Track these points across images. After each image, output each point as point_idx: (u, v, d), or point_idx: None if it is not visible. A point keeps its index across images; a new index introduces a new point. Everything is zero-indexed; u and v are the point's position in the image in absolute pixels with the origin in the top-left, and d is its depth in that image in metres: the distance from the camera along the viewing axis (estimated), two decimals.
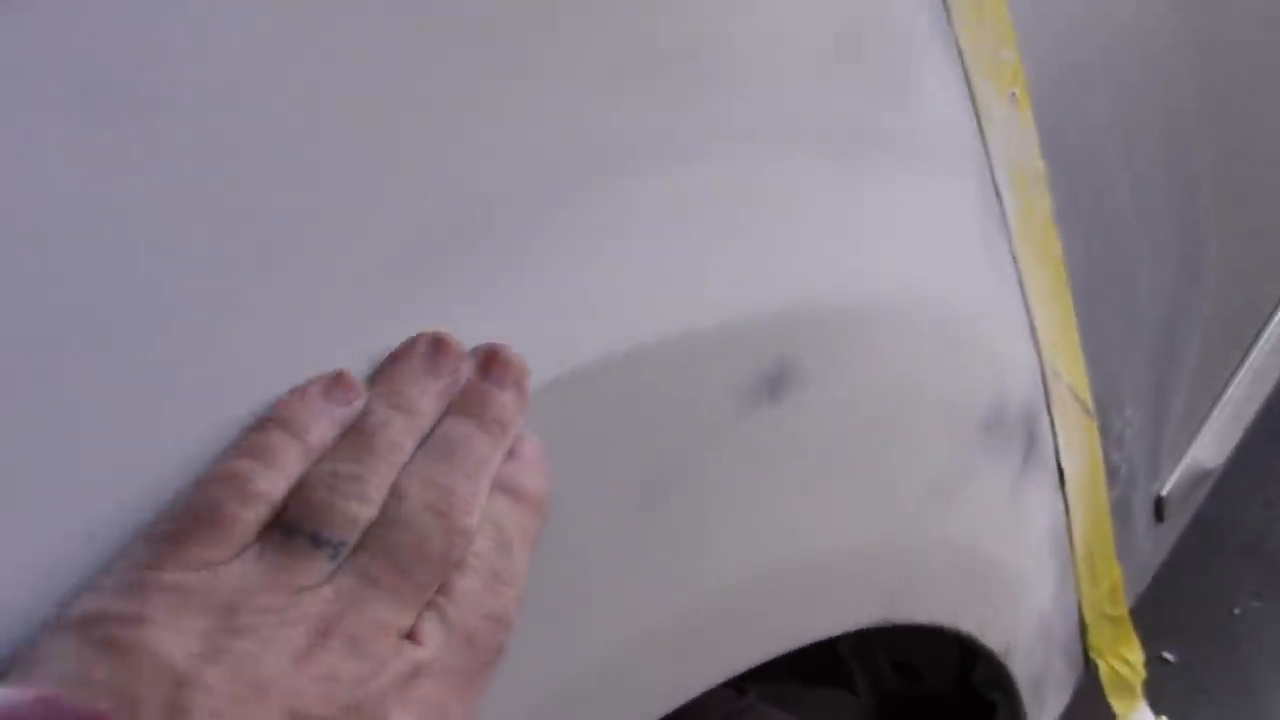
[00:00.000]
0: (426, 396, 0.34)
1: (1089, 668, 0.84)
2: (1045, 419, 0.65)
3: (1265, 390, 0.90)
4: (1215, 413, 0.84)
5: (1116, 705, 0.86)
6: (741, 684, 0.88)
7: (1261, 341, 0.87)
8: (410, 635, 0.30)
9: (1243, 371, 0.86)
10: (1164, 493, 0.83)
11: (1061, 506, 0.69)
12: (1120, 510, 0.77)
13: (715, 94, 0.43)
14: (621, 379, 0.40)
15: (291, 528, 0.30)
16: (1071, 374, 0.65)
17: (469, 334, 0.35)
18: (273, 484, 0.31)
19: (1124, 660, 0.86)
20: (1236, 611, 1.45)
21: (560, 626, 0.39)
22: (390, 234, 0.34)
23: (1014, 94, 0.56)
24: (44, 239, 0.28)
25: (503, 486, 0.34)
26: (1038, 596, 0.71)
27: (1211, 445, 0.85)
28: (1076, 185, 0.62)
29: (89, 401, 0.29)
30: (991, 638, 0.66)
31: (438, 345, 0.34)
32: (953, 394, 0.56)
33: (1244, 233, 0.80)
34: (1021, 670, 0.72)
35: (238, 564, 0.29)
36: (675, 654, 0.45)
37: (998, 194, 0.57)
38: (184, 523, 0.29)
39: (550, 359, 0.38)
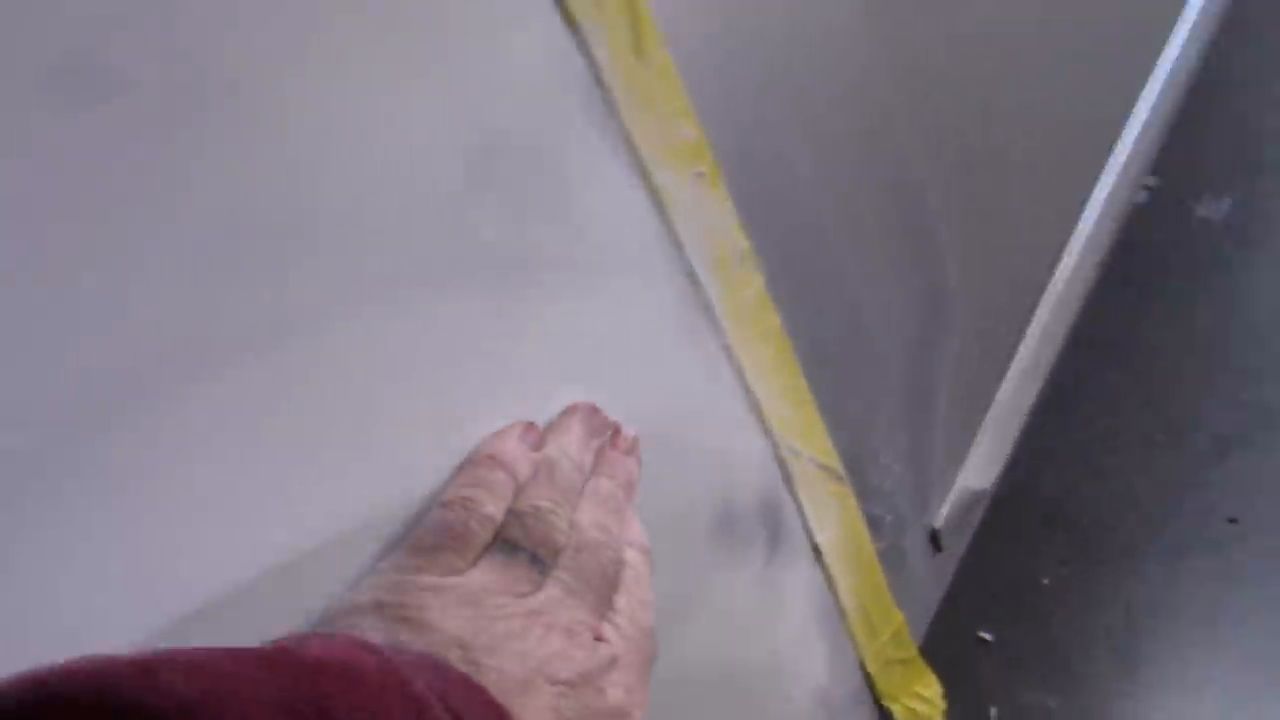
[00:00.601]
0: (588, 453, 0.44)
1: (885, 715, 0.81)
2: (789, 501, 0.60)
3: (1028, 401, 0.88)
4: (980, 436, 0.82)
5: None
6: None
7: (1017, 358, 0.85)
8: (597, 637, 0.38)
9: (1002, 389, 0.84)
10: (938, 525, 0.80)
11: (821, 579, 0.65)
12: (892, 558, 0.74)
13: (328, 258, 0.36)
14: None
15: (515, 546, 0.39)
16: (812, 446, 0.61)
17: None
18: (497, 509, 0.39)
19: (919, 698, 0.83)
20: (1045, 582, 1.46)
21: None
22: None
23: (700, 173, 0.51)
24: None
25: (627, 539, 0.43)
26: (809, 674, 0.67)
27: (980, 467, 0.83)
28: (790, 253, 0.58)
29: None
30: None
31: (594, 413, 0.45)
32: (675, 510, 0.51)
33: (983, 252, 0.77)
34: None
35: (476, 571, 0.37)
36: None
37: (696, 283, 0.52)
38: (438, 538, 0.38)
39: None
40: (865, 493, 0.68)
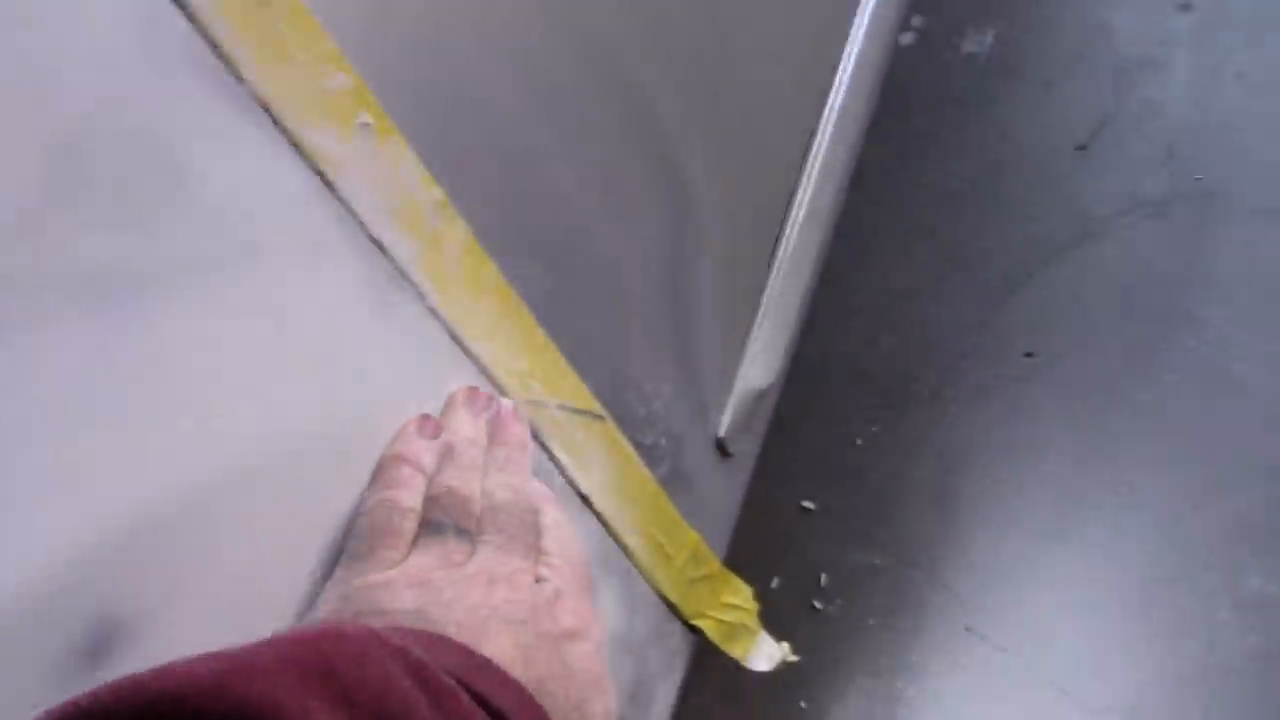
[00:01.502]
0: (480, 428, 0.48)
1: (695, 632, 0.79)
2: (542, 456, 0.55)
3: (801, 286, 0.85)
4: (754, 333, 0.78)
5: (734, 652, 0.82)
6: None
7: (784, 240, 0.81)
8: (536, 579, 0.43)
9: (771, 280, 0.80)
10: (722, 433, 0.77)
11: (597, 524, 0.61)
12: (676, 480, 0.71)
13: None
14: None
15: (440, 525, 0.43)
16: (558, 392, 0.56)
17: None
18: (415, 500, 0.44)
19: (729, 608, 0.81)
20: (859, 442, 1.47)
21: None
22: None
23: (365, 123, 0.44)
24: None
25: (534, 492, 0.47)
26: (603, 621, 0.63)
27: (760, 365, 0.80)
28: (500, 195, 0.52)
29: None
30: None
31: (475, 394, 0.49)
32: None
33: (732, 130, 0.72)
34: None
35: (412, 558, 0.42)
36: None
37: (381, 249, 0.45)
38: (370, 540, 0.42)
39: None
40: (632, 423, 0.64)
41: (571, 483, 0.58)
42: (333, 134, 0.43)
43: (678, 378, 0.69)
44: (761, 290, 0.79)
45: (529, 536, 0.44)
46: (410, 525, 0.42)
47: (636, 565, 0.66)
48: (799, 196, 0.85)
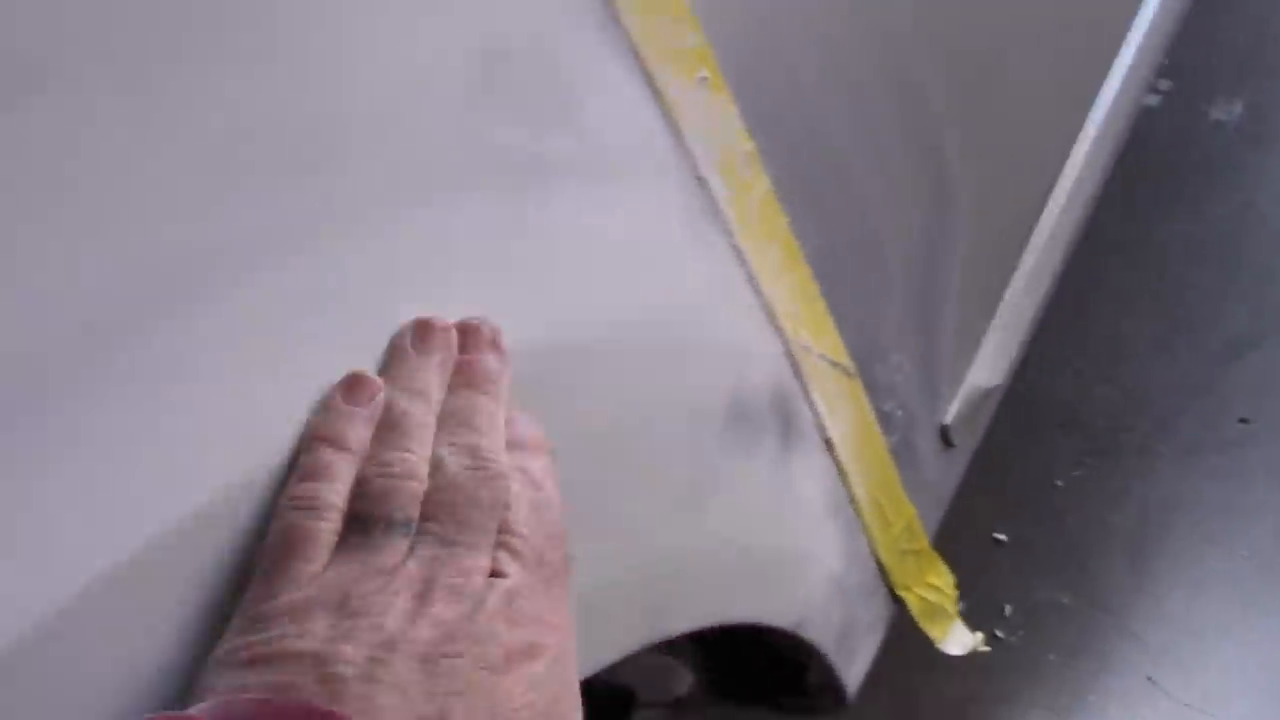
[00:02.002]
0: (430, 374, 0.39)
1: (899, 603, 0.84)
2: (800, 395, 0.63)
3: (1036, 300, 0.90)
4: (989, 335, 0.84)
5: (930, 631, 0.87)
6: None
7: (1024, 259, 0.86)
8: (493, 573, 0.35)
9: (1010, 290, 0.86)
10: (948, 421, 0.83)
11: (834, 470, 0.68)
12: (903, 452, 0.77)
13: (345, 163, 0.39)
14: None
15: (365, 518, 0.35)
16: (822, 342, 0.64)
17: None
18: (336, 493, 0.36)
19: (932, 588, 0.87)
20: (1060, 484, 1.49)
21: None
22: None
23: (704, 77, 0.53)
24: None
25: (511, 445, 0.39)
26: (824, 562, 0.70)
27: (989, 366, 0.85)
28: (796, 156, 0.60)
29: None
30: (779, 618, 0.66)
31: (423, 328, 0.40)
32: (688, 403, 0.54)
33: (989, 154, 0.79)
34: (820, 634, 0.72)
35: (333, 567, 0.34)
36: None
37: (704, 185, 0.54)
38: (279, 551, 0.34)
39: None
40: (875, 389, 0.71)
41: (820, 427, 0.65)
42: (679, 83, 0.52)
43: (918, 358, 0.76)
44: (1001, 294, 0.85)
45: (486, 516, 0.36)
46: (329, 526, 0.35)
47: (860, 520, 0.73)
48: (1041, 222, 0.91)
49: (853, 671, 0.80)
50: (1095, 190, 0.94)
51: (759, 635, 0.70)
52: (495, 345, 0.40)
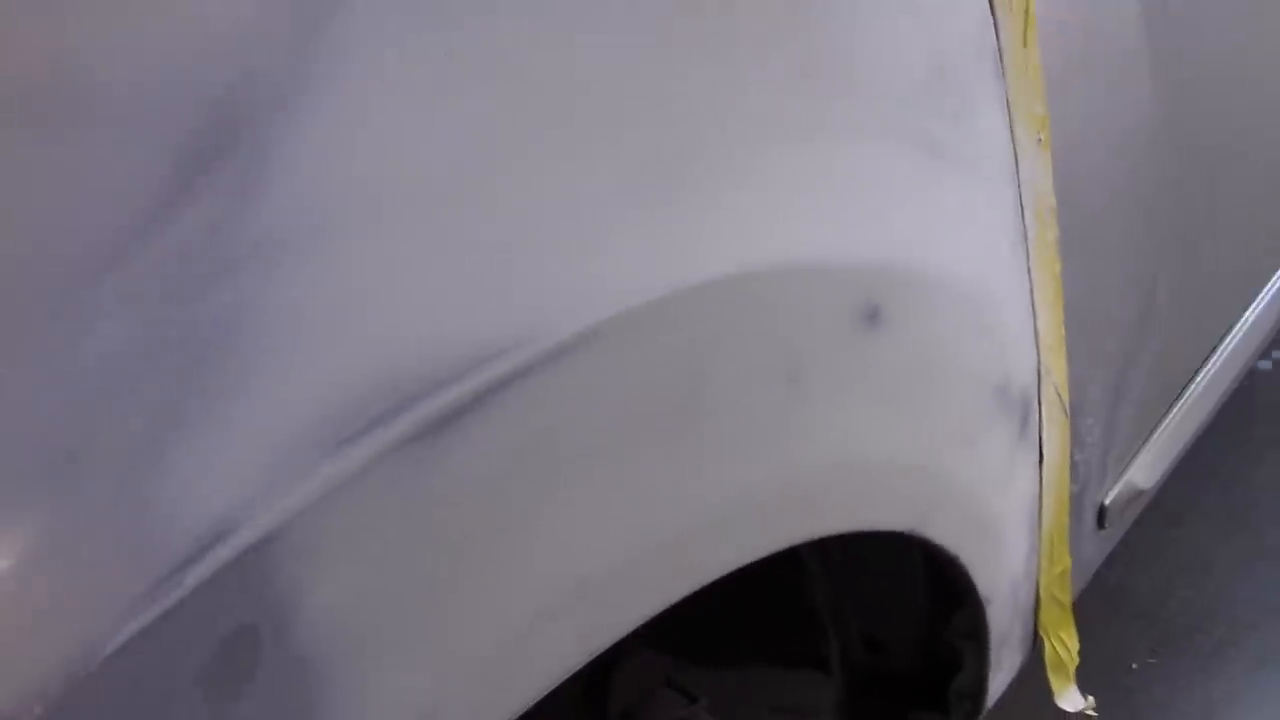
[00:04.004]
0: None
1: (1036, 644, 0.99)
2: (1036, 404, 0.81)
3: (1197, 423, 1.08)
4: (1155, 437, 1.02)
5: (1054, 682, 1.02)
6: (692, 692, 1.01)
7: (1198, 378, 1.05)
8: None
9: (1179, 404, 1.04)
10: (1106, 501, 1.00)
11: (1038, 485, 0.85)
12: (1075, 505, 0.94)
13: (842, 97, 0.59)
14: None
15: None
16: (1058, 375, 0.82)
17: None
18: None
19: (1064, 644, 1.01)
20: (1134, 667, 1.63)
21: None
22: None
23: (1040, 138, 0.73)
24: None
25: None
26: (1013, 560, 0.86)
27: (1147, 467, 1.02)
28: (1079, 221, 0.80)
29: None
30: (980, 580, 0.81)
31: None
32: (979, 359, 0.72)
33: (1197, 267, 0.98)
34: (995, 623, 0.87)
35: None
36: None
37: (1022, 215, 0.74)
38: None
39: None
40: (1074, 436, 0.88)
41: (1040, 440, 0.83)
42: (1024, 135, 0.72)
43: (1104, 429, 0.93)
44: (1172, 404, 1.03)
45: None
46: None
47: (1039, 543, 0.89)
48: (1216, 352, 1.10)
49: (996, 682, 0.94)
50: (1256, 349, 1.13)
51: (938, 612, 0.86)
52: None
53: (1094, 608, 1.46)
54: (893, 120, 0.61)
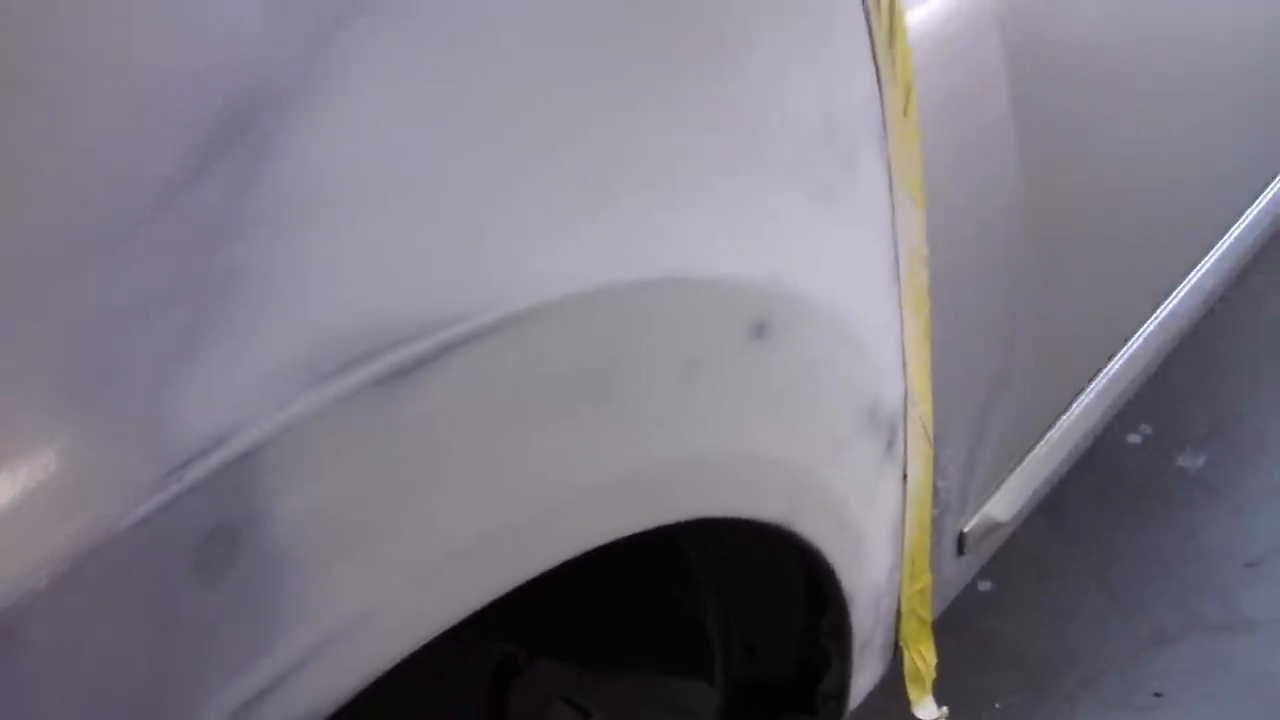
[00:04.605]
0: None
1: (896, 655, 1.10)
2: (902, 430, 0.92)
3: (1050, 468, 1.20)
4: (1013, 476, 1.14)
5: (911, 692, 1.12)
6: (585, 707, 1.10)
7: (1055, 427, 1.18)
8: None
9: (1041, 444, 1.16)
10: (966, 529, 1.11)
11: (901, 504, 0.96)
12: (936, 528, 1.05)
13: (745, 140, 0.70)
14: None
15: None
16: (923, 406, 0.94)
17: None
18: None
19: (923, 657, 1.12)
20: (998, 706, 1.75)
21: None
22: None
23: (915, 197, 0.85)
24: None
25: None
26: (876, 569, 0.97)
27: (1005, 503, 1.14)
28: (946, 269, 0.92)
29: None
30: (844, 578, 0.92)
31: None
32: (853, 380, 0.83)
33: (1054, 331, 1.11)
34: (858, 624, 0.98)
35: None
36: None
37: (897, 261, 0.85)
38: None
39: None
40: (936, 464, 1.00)
41: (905, 462, 0.94)
42: (904, 193, 0.84)
43: (963, 463, 1.05)
44: (1034, 444, 1.16)
45: None
46: None
47: (901, 559, 1.00)
48: (1077, 400, 1.23)
49: (858, 685, 1.05)
50: (1111, 406, 1.26)
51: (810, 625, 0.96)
52: None
53: (967, 651, 1.61)
54: (788, 164, 0.73)
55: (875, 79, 0.79)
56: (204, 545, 0.47)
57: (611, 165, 0.62)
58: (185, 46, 0.49)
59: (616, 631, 1.13)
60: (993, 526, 1.15)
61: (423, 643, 0.56)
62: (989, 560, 1.68)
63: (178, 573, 0.46)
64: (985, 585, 1.90)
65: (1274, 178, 1.60)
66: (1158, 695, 1.74)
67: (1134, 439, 2.18)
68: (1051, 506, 1.96)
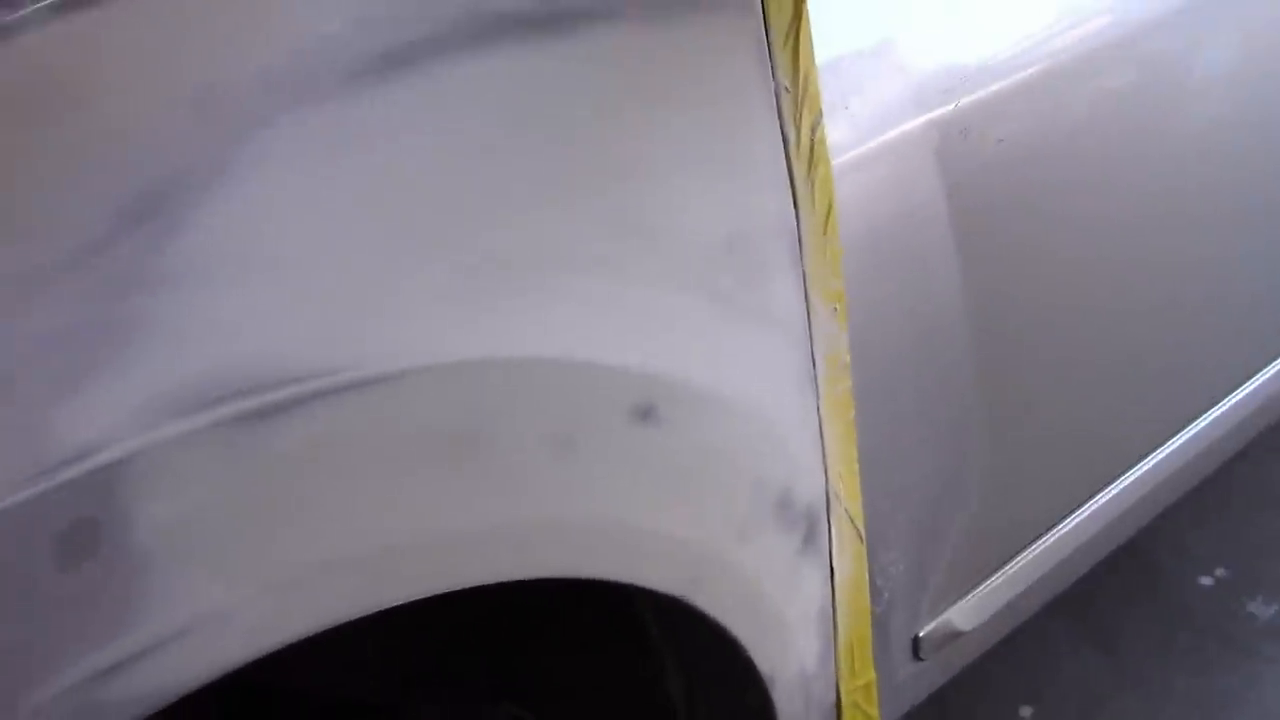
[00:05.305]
0: None
1: None
2: (824, 524, 0.99)
3: (1023, 587, 1.23)
4: (987, 582, 1.18)
5: None
6: None
7: (1028, 551, 1.21)
8: None
9: (1022, 558, 1.20)
10: (921, 634, 1.16)
11: (829, 598, 1.02)
12: (880, 626, 1.10)
13: (644, 244, 0.80)
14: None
15: None
16: (850, 504, 1.00)
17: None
18: None
19: None
20: None
21: None
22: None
23: (835, 308, 0.93)
24: None
25: None
26: (804, 654, 1.02)
27: (970, 610, 1.18)
28: (873, 376, 0.99)
29: None
30: (759, 659, 0.98)
31: None
32: (759, 470, 0.91)
33: (1014, 461, 1.15)
34: (783, 706, 1.03)
35: None
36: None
37: (814, 365, 0.93)
38: None
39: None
40: (874, 563, 1.05)
41: (830, 555, 1.00)
42: (822, 303, 0.92)
43: (914, 567, 1.10)
44: (1014, 557, 1.19)
45: None
46: None
47: (836, 649, 1.05)
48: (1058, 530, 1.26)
49: None
50: (1112, 537, 1.28)
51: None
52: None
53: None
54: (686, 270, 0.82)
55: (792, 199, 0.88)
56: (67, 533, 0.58)
57: (497, 259, 0.72)
58: (121, 134, 0.62)
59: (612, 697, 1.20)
60: (953, 634, 1.19)
61: (274, 649, 0.66)
62: (1026, 685, 1.73)
63: (42, 554, 0.58)
64: (1026, 711, 1.90)
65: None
66: None
67: (1205, 581, 2.15)
68: (1107, 638, 1.99)
